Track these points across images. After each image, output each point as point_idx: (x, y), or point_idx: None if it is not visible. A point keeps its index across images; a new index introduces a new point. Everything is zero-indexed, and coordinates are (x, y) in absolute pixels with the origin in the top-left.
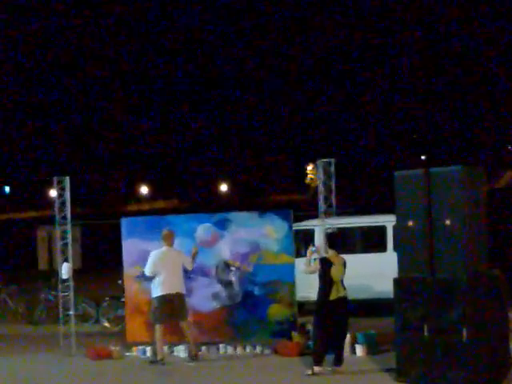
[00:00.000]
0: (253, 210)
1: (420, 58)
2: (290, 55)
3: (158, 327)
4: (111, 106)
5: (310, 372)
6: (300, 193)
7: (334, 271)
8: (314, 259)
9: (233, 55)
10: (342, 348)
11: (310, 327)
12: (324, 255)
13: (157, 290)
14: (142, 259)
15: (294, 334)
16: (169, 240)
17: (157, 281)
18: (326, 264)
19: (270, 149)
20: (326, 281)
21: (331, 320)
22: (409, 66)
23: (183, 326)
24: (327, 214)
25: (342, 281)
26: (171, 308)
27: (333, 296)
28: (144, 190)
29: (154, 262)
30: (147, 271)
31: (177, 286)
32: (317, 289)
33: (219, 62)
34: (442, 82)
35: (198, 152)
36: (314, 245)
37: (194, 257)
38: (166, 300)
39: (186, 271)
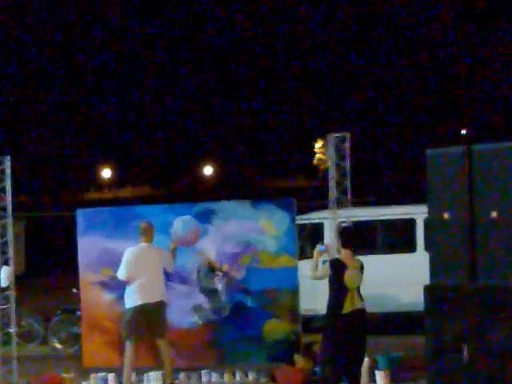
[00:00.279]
0: (245, 199)
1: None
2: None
3: (129, 345)
4: (67, 69)
5: None
6: (306, 177)
7: (349, 277)
8: (323, 261)
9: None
10: (358, 375)
11: (317, 349)
12: (336, 256)
13: (132, 299)
14: (104, 261)
15: (297, 358)
16: (148, 235)
17: (133, 287)
18: (338, 268)
19: (268, 122)
20: (339, 289)
21: (345, 339)
22: (449, 19)
23: (161, 346)
24: (340, 204)
25: (358, 289)
26: (149, 321)
27: (347, 308)
28: (107, 173)
29: (130, 263)
30: (121, 274)
31: (158, 294)
32: (326, 299)
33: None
34: (488, 39)
35: (175, 126)
36: (323, 243)
37: (174, 255)
38: (143, 311)
39: (165, 273)
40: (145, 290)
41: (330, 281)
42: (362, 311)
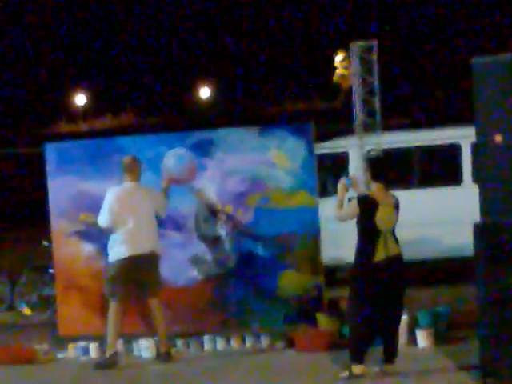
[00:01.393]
0: (251, 126)
1: None
2: None
3: (114, 307)
4: None
5: (345, 374)
6: (325, 98)
7: (381, 216)
8: (350, 199)
9: None
10: (395, 335)
11: (344, 305)
12: (365, 192)
13: (118, 250)
14: (81, 206)
15: (321, 317)
16: (134, 172)
17: (118, 236)
18: (368, 206)
19: (278, 30)
20: (369, 232)
21: (378, 293)
22: None
23: (153, 307)
24: (368, 129)
25: (393, 231)
26: (138, 277)
27: (379, 255)
28: (81, 100)
29: (114, 206)
30: (102, 221)
31: (149, 243)
32: (354, 245)
33: None
34: None
35: (165, 40)
36: (348, 176)
37: (166, 196)
38: (131, 265)
39: (157, 219)
40: (133, 239)
41: (358, 222)
42: (398, 258)
